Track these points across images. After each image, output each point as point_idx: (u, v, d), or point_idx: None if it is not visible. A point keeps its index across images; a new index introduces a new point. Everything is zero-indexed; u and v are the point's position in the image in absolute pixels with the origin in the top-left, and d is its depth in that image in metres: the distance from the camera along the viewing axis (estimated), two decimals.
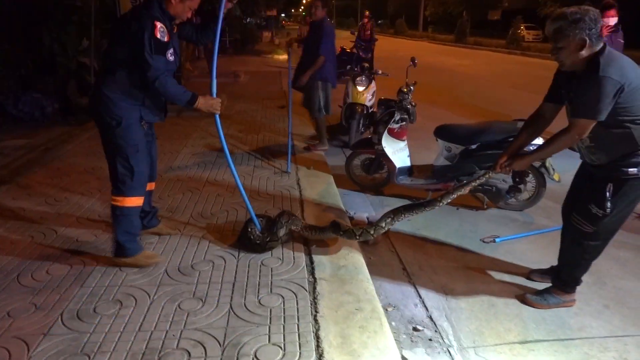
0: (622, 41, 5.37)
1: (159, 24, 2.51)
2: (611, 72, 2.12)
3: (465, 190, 2.89)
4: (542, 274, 2.96)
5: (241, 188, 2.95)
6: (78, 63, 7.28)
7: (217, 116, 2.77)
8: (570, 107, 2.38)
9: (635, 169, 2.29)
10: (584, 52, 2.21)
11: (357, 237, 2.96)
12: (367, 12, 13.43)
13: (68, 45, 7.10)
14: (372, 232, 2.93)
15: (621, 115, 2.20)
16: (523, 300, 2.75)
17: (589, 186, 2.48)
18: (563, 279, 2.69)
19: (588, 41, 2.18)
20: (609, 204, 2.34)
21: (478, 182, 2.88)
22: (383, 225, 2.93)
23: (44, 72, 7.04)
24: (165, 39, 2.55)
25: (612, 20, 5.18)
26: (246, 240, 2.98)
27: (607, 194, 2.34)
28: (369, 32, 12.61)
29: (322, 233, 3.04)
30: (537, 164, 3.75)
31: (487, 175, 2.83)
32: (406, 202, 4.28)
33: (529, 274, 3.02)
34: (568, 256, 2.67)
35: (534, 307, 2.70)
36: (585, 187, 2.53)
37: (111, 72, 2.59)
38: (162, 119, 2.87)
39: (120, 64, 2.56)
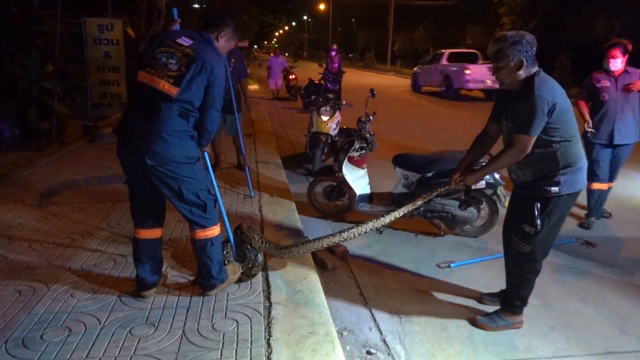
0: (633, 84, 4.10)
1: None
2: (544, 92, 2.33)
3: (415, 204, 2.97)
4: (492, 297, 3.06)
5: (225, 219, 3.02)
6: (40, 88, 7.19)
7: (206, 153, 2.89)
8: (506, 124, 2.58)
9: (557, 188, 2.47)
10: (522, 73, 2.42)
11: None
12: (334, 46, 13.73)
13: (31, 69, 7.02)
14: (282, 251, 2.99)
15: (548, 134, 2.40)
16: (473, 323, 2.83)
17: (520, 208, 2.64)
18: (510, 301, 2.79)
19: (525, 62, 2.39)
20: (538, 221, 2.50)
21: (431, 196, 2.98)
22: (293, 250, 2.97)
23: (4, 96, 6.91)
24: None
25: (615, 64, 4.11)
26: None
27: (536, 212, 2.50)
28: (337, 64, 12.94)
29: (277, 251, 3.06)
30: (489, 192, 3.92)
31: (441, 189, 2.95)
32: None
33: (480, 297, 3.11)
34: (512, 278, 2.79)
35: (484, 329, 2.78)
36: (517, 210, 2.69)
37: (183, 116, 2.43)
38: None
39: (192, 109, 2.45)
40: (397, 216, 2.98)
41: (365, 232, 2.98)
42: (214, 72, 2.43)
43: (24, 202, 4.28)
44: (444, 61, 16.47)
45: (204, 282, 2.73)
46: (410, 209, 2.99)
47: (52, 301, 2.64)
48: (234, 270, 2.87)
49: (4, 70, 6.91)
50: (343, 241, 3.07)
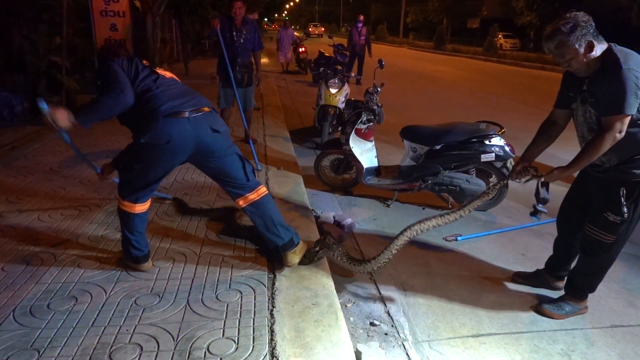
0: None
1: None
2: (632, 65, 2.11)
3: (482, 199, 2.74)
4: (524, 278, 2.97)
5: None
6: (49, 62, 7.17)
7: None
8: (582, 107, 2.34)
9: None
10: (594, 53, 2.19)
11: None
12: (361, 17, 12.06)
13: (39, 43, 7.00)
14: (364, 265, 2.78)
15: (637, 111, 2.17)
16: (539, 311, 2.67)
17: (600, 194, 2.43)
18: (580, 289, 2.63)
19: (594, 42, 2.17)
20: (625, 209, 2.29)
21: (496, 188, 2.76)
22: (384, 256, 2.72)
23: (14, 70, 6.92)
24: None
25: None
26: None
27: (622, 199, 2.29)
28: (364, 37, 11.80)
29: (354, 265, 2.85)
30: (498, 164, 3.84)
31: (503, 182, 2.78)
32: (374, 202, 4.35)
33: (514, 276, 3.00)
34: (586, 268, 2.60)
35: (552, 317, 2.61)
36: (593, 195, 2.49)
37: None
38: None
39: None
40: (463, 214, 2.76)
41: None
42: None
43: (34, 175, 4.32)
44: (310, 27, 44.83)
45: (282, 246, 2.73)
46: (475, 205, 2.72)
47: (59, 271, 2.67)
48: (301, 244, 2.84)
49: (12, 45, 6.90)
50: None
